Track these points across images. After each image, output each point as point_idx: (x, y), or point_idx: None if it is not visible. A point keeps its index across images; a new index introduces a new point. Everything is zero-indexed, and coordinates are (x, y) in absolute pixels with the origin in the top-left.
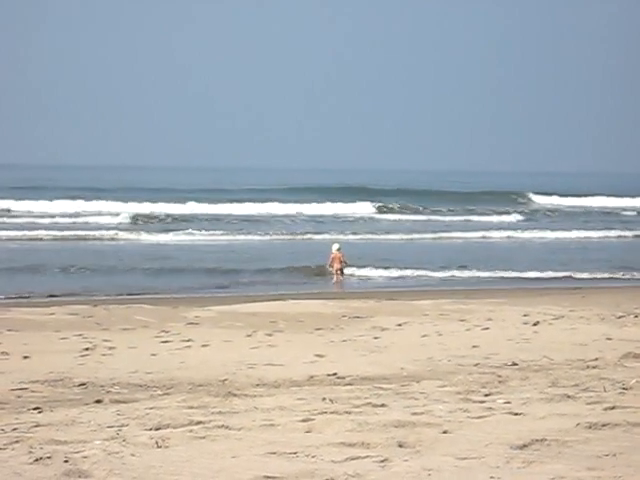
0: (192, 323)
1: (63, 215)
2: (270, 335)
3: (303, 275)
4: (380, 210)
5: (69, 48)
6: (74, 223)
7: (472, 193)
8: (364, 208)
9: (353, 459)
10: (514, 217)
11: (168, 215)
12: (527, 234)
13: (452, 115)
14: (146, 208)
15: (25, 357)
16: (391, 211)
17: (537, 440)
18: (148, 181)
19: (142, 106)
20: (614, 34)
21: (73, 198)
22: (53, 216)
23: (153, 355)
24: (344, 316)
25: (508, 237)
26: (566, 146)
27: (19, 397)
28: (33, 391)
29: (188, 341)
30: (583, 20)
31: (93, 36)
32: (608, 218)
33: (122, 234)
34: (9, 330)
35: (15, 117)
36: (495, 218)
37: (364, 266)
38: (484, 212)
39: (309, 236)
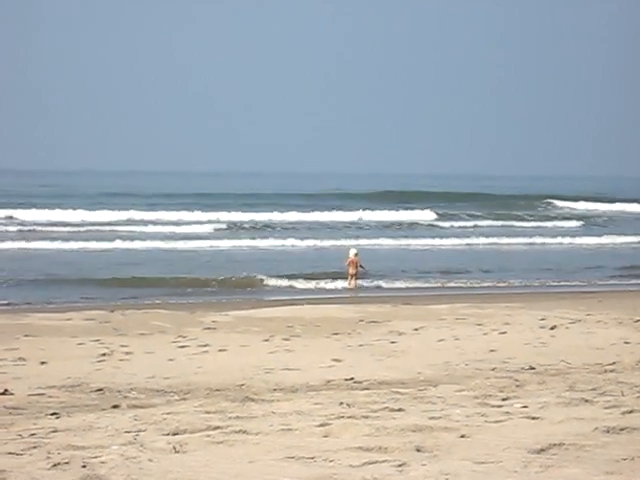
0: (209, 328)
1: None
2: (287, 340)
3: None
4: (441, 217)
5: (69, 48)
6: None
7: (502, 196)
8: (423, 215)
9: (371, 463)
10: (573, 223)
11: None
12: (607, 239)
13: (452, 115)
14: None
15: (42, 363)
16: (452, 217)
17: (555, 444)
18: (187, 186)
19: (141, 106)
20: (614, 34)
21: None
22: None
23: (170, 360)
24: (361, 321)
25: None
26: (566, 148)
27: (36, 403)
28: (50, 396)
29: (205, 346)
30: (583, 20)
31: (93, 36)
32: None
33: (216, 242)
34: (26, 336)
35: (14, 118)
36: (549, 223)
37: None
38: (527, 217)
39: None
